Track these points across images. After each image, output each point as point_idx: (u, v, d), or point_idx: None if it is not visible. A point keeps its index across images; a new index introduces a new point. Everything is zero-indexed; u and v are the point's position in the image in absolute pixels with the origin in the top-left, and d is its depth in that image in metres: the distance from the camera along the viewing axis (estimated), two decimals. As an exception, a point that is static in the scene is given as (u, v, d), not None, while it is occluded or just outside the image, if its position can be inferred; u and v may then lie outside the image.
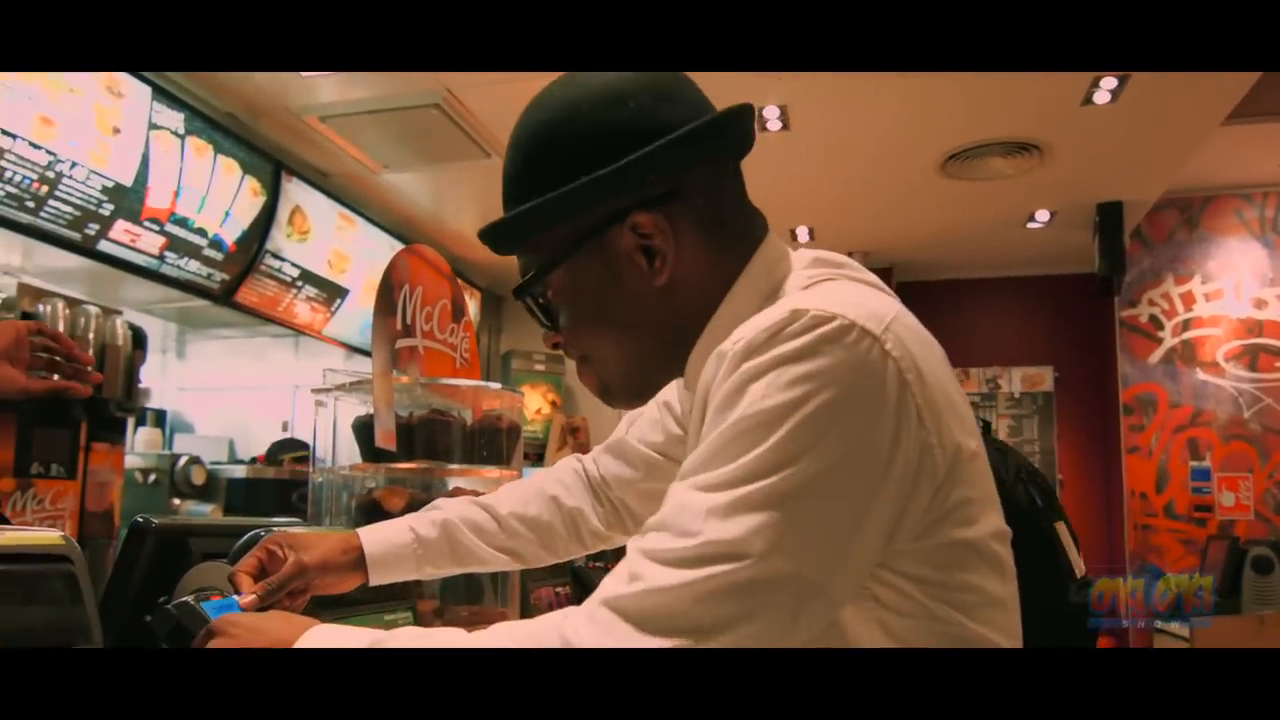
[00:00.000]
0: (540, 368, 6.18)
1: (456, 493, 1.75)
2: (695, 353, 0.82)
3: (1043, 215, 4.38)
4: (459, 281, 1.91)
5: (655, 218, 0.78)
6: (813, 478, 0.64)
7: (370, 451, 1.65)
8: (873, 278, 0.83)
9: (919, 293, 5.30)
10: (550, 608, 2.18)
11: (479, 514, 1.13)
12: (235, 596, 1.04)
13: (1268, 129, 3.82)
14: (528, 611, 1.98)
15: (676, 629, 0.63)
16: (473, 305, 5.81)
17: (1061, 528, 1.51)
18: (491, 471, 1.74)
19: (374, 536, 1.08)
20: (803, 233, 4.65)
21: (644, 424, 1.11)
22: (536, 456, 6.05)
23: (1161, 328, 4.57)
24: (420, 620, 1.72)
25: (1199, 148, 3.68)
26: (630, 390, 0.88)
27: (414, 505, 1.70)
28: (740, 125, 0.82)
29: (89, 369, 1.49)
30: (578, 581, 2.31)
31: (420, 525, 1.10)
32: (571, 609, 0.70)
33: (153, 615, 1.06)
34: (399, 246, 4.68)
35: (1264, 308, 4.48)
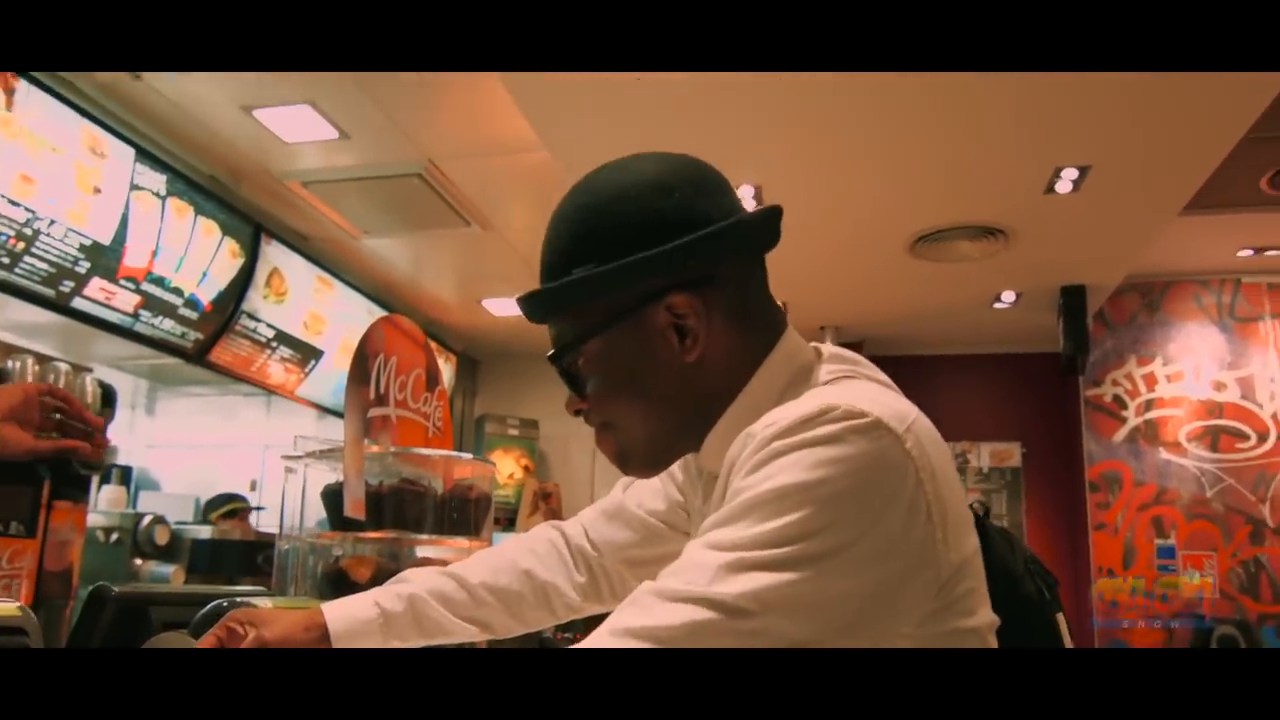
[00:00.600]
0: (514, 432, 6.17)
1: (424, 563, 1.74)
2: (715, 431, 0.87)
3: (1009, 296, 4.48)
4: (433, 350, 1.93)
5: (691, 299, 0.84)
6: (822, 554, 0.68)
7: (339, 520, 1.65)
8: (885, 377, 0.89)
9: (889, 367, 5.30)
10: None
11: (448, 584, 1.12)
12: None
13: (1223, 220, 3.96)
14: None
15: None
16: (447, 370, 5.82)
17: (1061, 619, 1.52)
18: (460, 542, 1.74)
19: (337, 613, 1.07)
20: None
21: (645, 491, 1.14)
22: (508, 521, 6.01)
23: (1125, 407, 4.66)
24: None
25: (1158, 236, 3.81)
26: (649, 460, 0.92)
27: (381, 575, 1.69)
28: (773, 224, 0.89)
29: (99, 432, 1.49)
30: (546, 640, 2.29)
31: (385, 600, 1.09)
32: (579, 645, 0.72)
33: None
34: (376, 310, 4.71)
35: (1223, 390, 4.58)
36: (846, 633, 0.69)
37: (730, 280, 0.85)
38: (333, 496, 1.69)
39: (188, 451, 5.60)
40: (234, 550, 3.67)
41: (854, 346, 4.52)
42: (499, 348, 6.31)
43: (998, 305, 4.60)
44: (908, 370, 5.49)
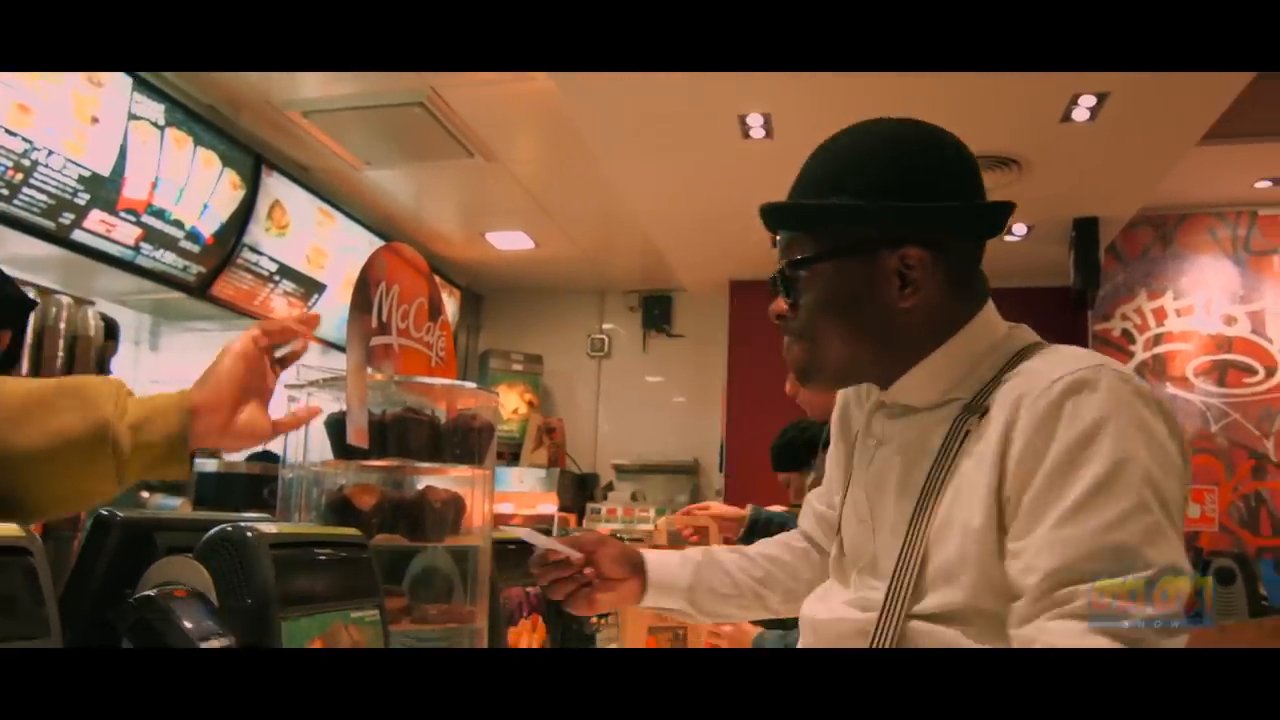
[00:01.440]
0: (518, 367, 6.17)
1: (429, 492, 1.75)
2: (912, 374, 0.97)
3: (1020, 229, 4.42)
4: (436, 280, 1.91)
5: (924, 255, 0.93)
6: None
7: (342, 448, 1.64)
8: None
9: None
10: (520, 606, 2.17)
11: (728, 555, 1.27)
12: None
13: (1242, 150, 3.88)
14: (496, 609, 1.98)
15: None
16: (451, 304, 5.80)
17: None
18: (463, 470, 1.74)
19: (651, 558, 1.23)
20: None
21: (817, 524, 1.26)
22: (512, 456, 6.05)
23: (1134, 341, 4.63)
24: (391, 618, 1.71)
25: (1174, 167, 3.74)
26: (831, 378, 1.04)
27: (384, 503, 1.70)
28: (1004, 217, 0.98)
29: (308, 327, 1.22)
30: (549, 583, 2.31)
31: (689, 554, 1.25)
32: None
33: (115, 610, 1.06)
34: (378, 243, 4.66)
35: (1233, 324, 4.54)
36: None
37: (957, 251, 0.96)
38: (336, 425, 1.68)
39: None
40: (240, 482, 3.70)
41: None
42: (503, 282, 6.27)
43: (1009, 238, 4.53)
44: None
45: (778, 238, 1.04)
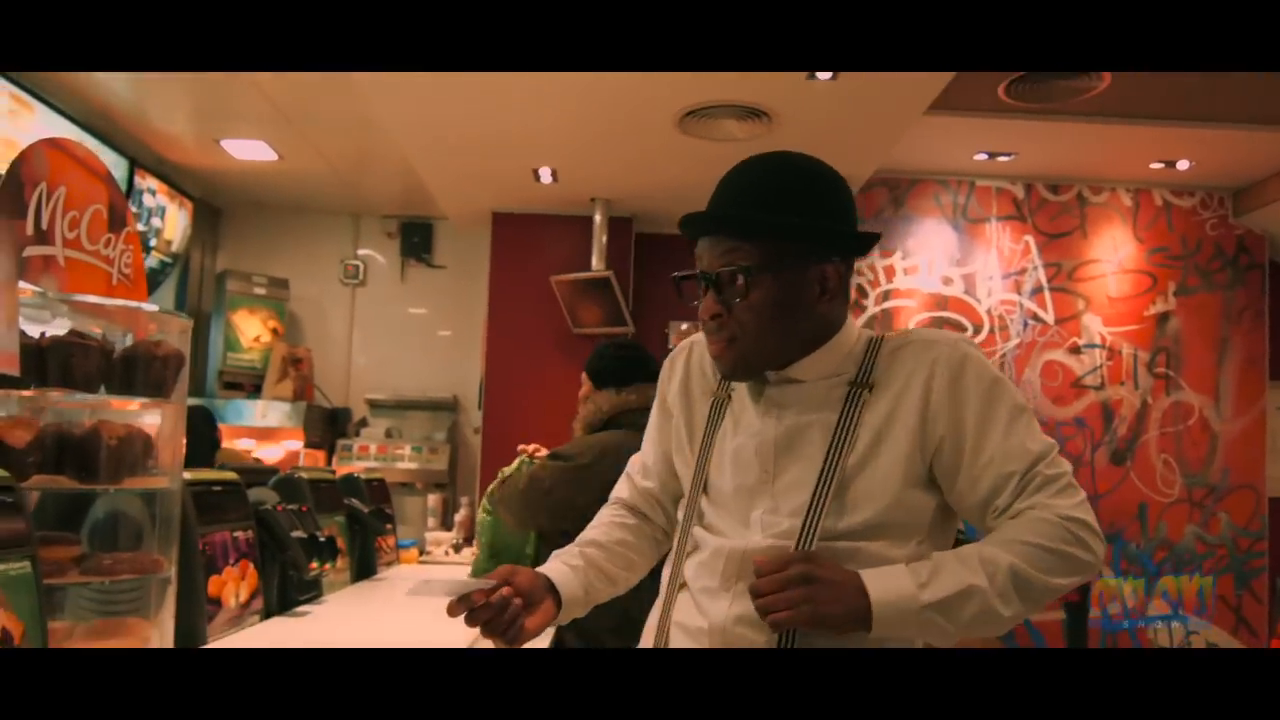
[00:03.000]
0: (261, 292, 5.71)
1: (103, 427, 1.54)
2: (812, 358, 1.20)
3: (771, 180, 4.59)
4: (117, 184, 1.67)
5: (840, 268, 1.19)
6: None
7: (-12, 375, 1.40)
8: None
9: (658, 245, 5.42)
10: (225, 549, 2.00)
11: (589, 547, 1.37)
12: None
13: (964, 123, 4.21)
14: (192, 556, 1.80)
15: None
16: (183, 217, 5.25)
17: None
18: (143, 405, 1.54)
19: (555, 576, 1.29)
20: (545, 174, 4.59)
21: (653, 474, 1.41)
22: (254, 388, 5.62)
23: (866, 296, 4.98)
24: (57, 570, 1.51)
25: (905, 133, 4.00)
26: (756, 369, 1.21)
27: (45, 439, 1.48)
28: (876, 242, 1.26)
29: None
30: (262, 524, 2.14)
31: (571, 561, 1.33)
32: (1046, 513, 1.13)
33: None
34: (91, 141, 4.10)
35: (950, 285, 4.99)
36: None
37: (850, 265, 1.22)
38: (-19, 348, 1.44)
39: None
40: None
41: (624, 221, 4.45)
42: (245, 196, 5.75)
43: (761, 190, 4.70)
44: (675, 248, 5.54)
45: (702, 242, 1.19)
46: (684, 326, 5.40)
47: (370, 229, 6.05)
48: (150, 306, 1.60)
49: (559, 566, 1.29)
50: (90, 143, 4.11)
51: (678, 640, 1.22)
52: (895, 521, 1.14)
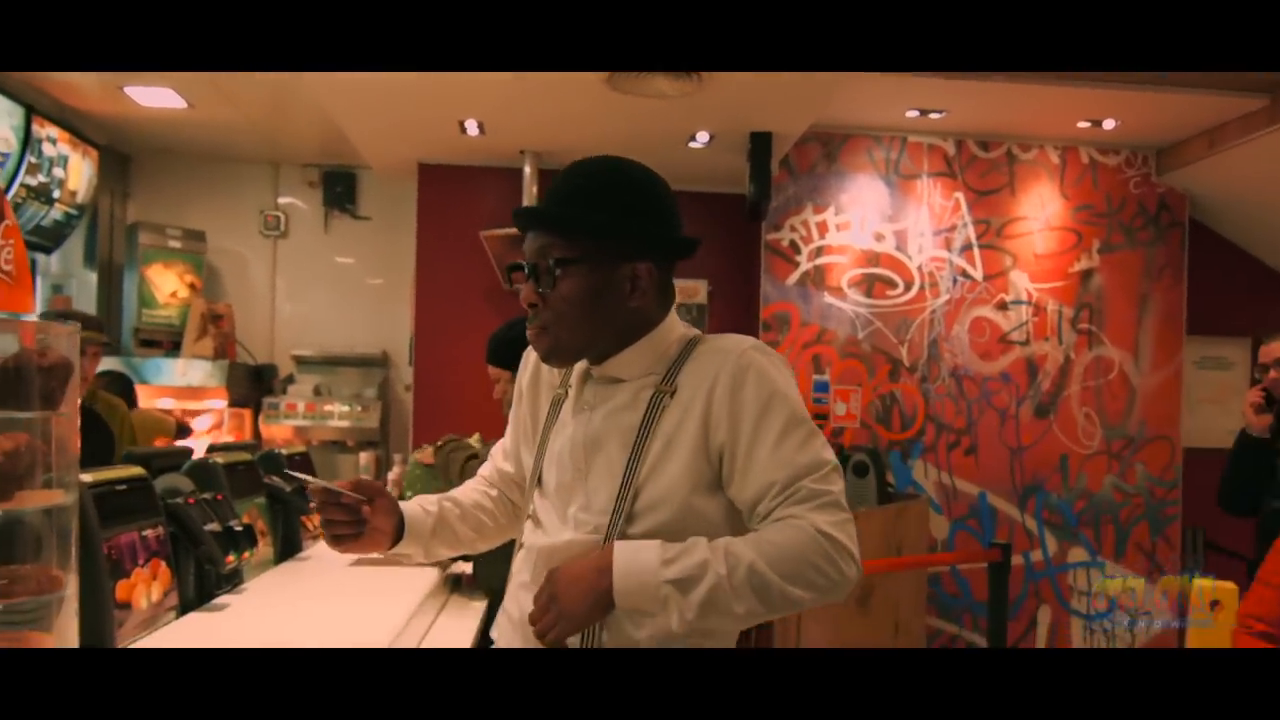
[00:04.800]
0: (176, 245, 5.46)
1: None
2: (626, 354, 1.29)
3: (703, 137, 4.51)
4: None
5: (650, 268, 1.27)
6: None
7: None
8: None
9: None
10: (134, 550, 1.92)
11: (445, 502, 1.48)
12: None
13: (895, 80, 4.17)
14: (96, 564, 1.72)
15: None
16: (87, 166, 4.96)
17: None
18: (25, 418, 1.44)
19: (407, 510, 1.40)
20: (472, 126, 4.44)
21: (510, 458, 1.53)
22: (173, 345, 5.42)
23: (799, 252, 4.96)
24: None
25: (838, 88, 3.95)
26: (569, 356, 1.31)
27: (-79, 460, 1.38)
28: (696, 247, 1.31)
29: None
30: (173, 519, 2.06)
31: (427, 507, 1.43)
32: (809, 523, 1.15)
33: None
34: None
35: (881, 241, 5.00)
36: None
37: (667, 267, 1.31)
38: None
39: None
40: None
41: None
42: (155, 143, 5.46)
43: (692, 145, 4.62)
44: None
45: (528, 236, 1.27)
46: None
47: (291, 178, 5.82)
48: (30, 317, 1.49)
49: (415, 507, 1.40)
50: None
51: (503, 627, 1.36)
52: (686, 527, 1.20)
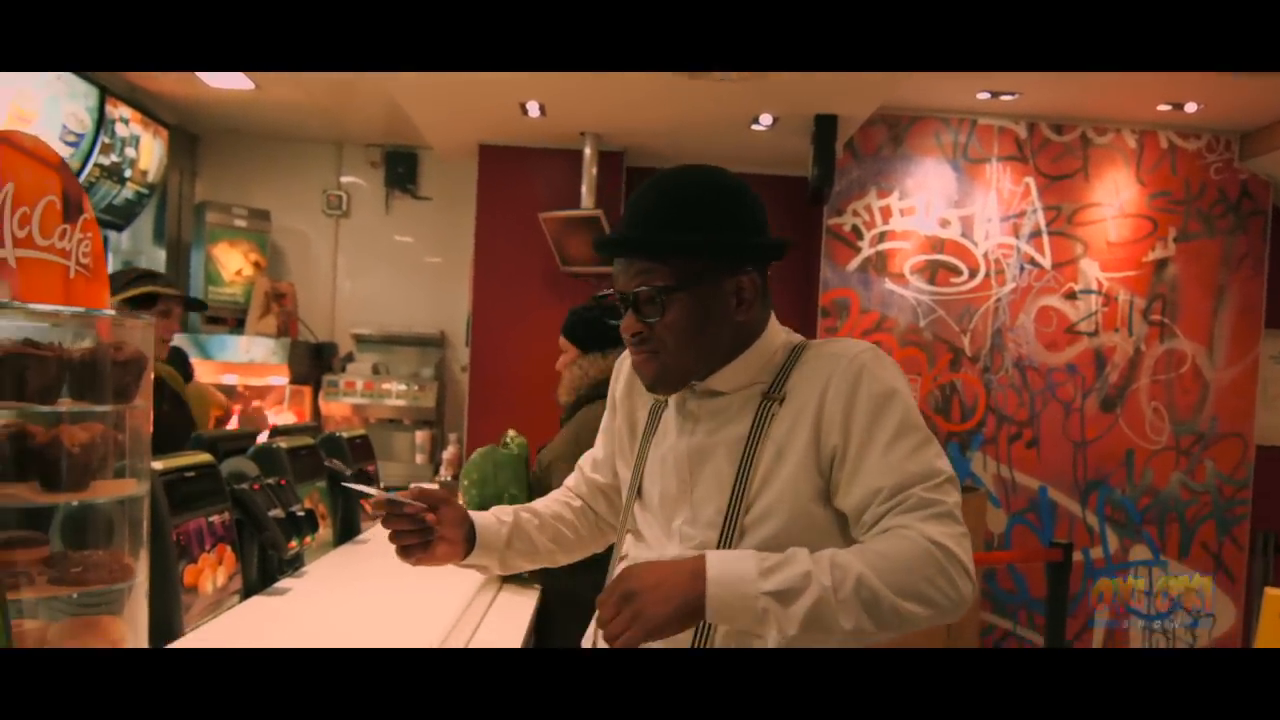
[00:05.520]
0: (241, 224, 5.56)
1: (65, 434, 1.47)
2: (732, 367, 1.24)
3: (766, 119, 4.44)
4: (71, 172, 1.57)
5: (754, 279, 1.21)
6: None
7: (-63, 389, 1.34)
8: None
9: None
10: (201, 536, 1.96)
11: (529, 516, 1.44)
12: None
13: (969, 62, 4.04)
14: (165, 551, 1.77)
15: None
16: (158, 146, 5.06)
17: None
18: (104, 412, 1.48)
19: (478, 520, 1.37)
20: (533, 108, 4.43)
21: (601, 468, 1.49)
22: (237, 322, 5.53)
23: (861, 238, 4.88)
24: (26, 578, 1.47)
25: (907, 69, 3.85)
26: (680, 382, 1.24)
27: (2, 449, 1.42)
28: (787, 247, 1.24)
29: None
30: (239, 505, 2.11)
31: (502, 517, 1.40)
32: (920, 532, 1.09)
33: None
34: (44, 70, 3.91)
35: (947, 227, 4.89)
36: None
37: (762, 272, 1.24)
38: (-70, 358, 1.37)
39: None
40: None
41: (615, 155, 4.33)
42: (223, 123, 5.56)
43: (756, 127, 4.55)
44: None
45: (617, 263, 1.22)
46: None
47: (354, 158, 5.88)
48: (105, 312, 1.52)
49: (489, 517, 1.37)
50: (59, 73, 3.95)
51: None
52: (800, 537, 1.14)
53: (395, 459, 5.35)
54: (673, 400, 1.29)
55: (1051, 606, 3.81)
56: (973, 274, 4.88)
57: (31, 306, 1.40)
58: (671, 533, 1.24)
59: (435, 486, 1.31)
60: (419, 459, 5.37)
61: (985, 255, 4.88)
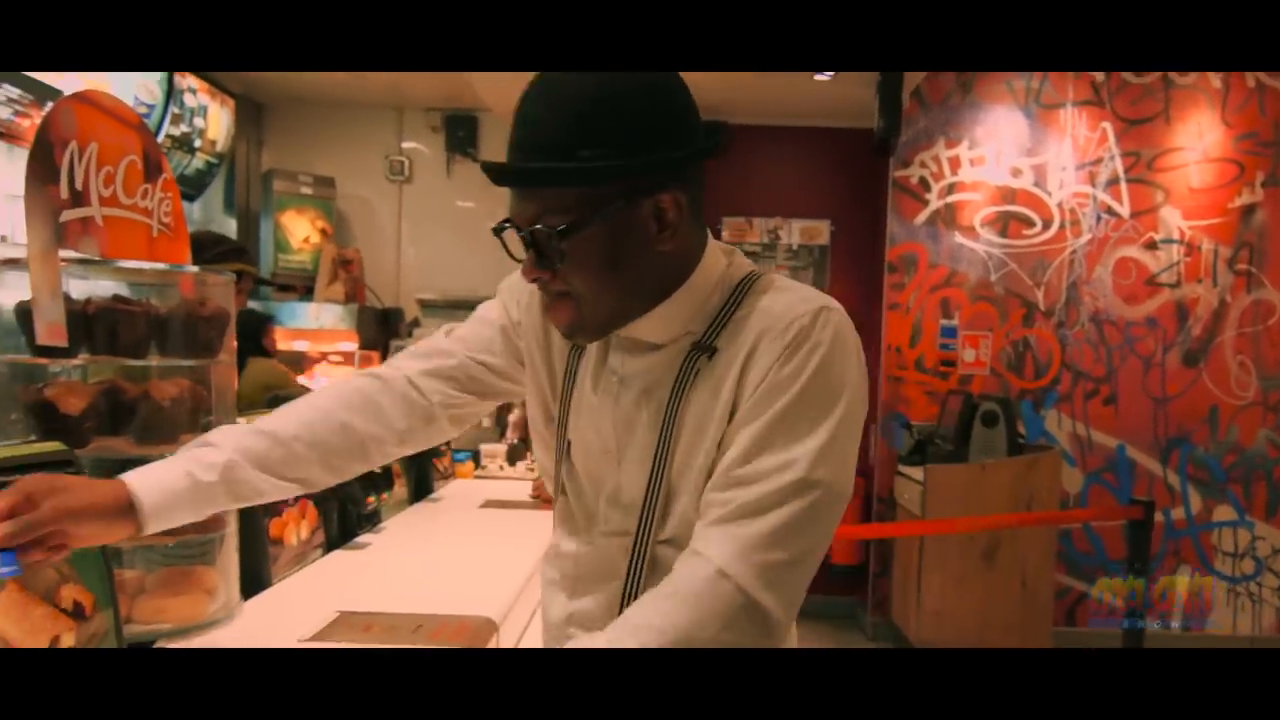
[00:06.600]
0: (307, 191, 5.64)
1: (155, 389, 1.51)
2: (661, 309, 0.99)
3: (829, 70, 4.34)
4: (150, 133, 1.59)
5: (677, 196, 0.95)
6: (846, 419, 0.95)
7: (36, 345, 1.38)
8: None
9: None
10: (286, 503, 2.00)
11: (261, 443, 1.08)
12: None
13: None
14: (249, 517, 1.81)
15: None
16: (225, 115, 5.15)
17: None
18: (192, 366, 1.51)
19: (145, 481, 1.02)
20: (593, 67, 4.38)
21: (476, 341, 1.17)
22: (306, 290, 5.63)
23: (929, 189, 4.75)
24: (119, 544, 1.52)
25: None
26: (602, 329, 1.00)
27: (95, 406, 1.46)
28: (723, 136, 1.02)
29: None
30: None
31: (198, 469, 1.04)
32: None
33: None
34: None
35: (1019, 176, 4.73)
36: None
37: (694, 181, 0.98)
38: (27, 315, 1.41)
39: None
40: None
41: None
42: (287, 91, 5.62)
43: (818, 78, 4.45)
44: (723, 134, 5.33)
45: (511, 192, 0.96)
46: (739, 220, 5.24)
47: (414, 123, 5.90)
48: (190, 269, 1.55)
49: (171, 475, 1.03)
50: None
51: (540, 629, 1.18)
52: None
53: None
54: (592, 350, 1.07)
55: (1132, 566, 3.71)
56: (1046, 225, 4.72)
57: (120, 263, 1.43)
58: (597, 513, 1.06)
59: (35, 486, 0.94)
60: (485, 422, 5.42)
61: (1059, 205, 4.71)
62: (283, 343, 4.98)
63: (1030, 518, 3.92)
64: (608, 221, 0.92)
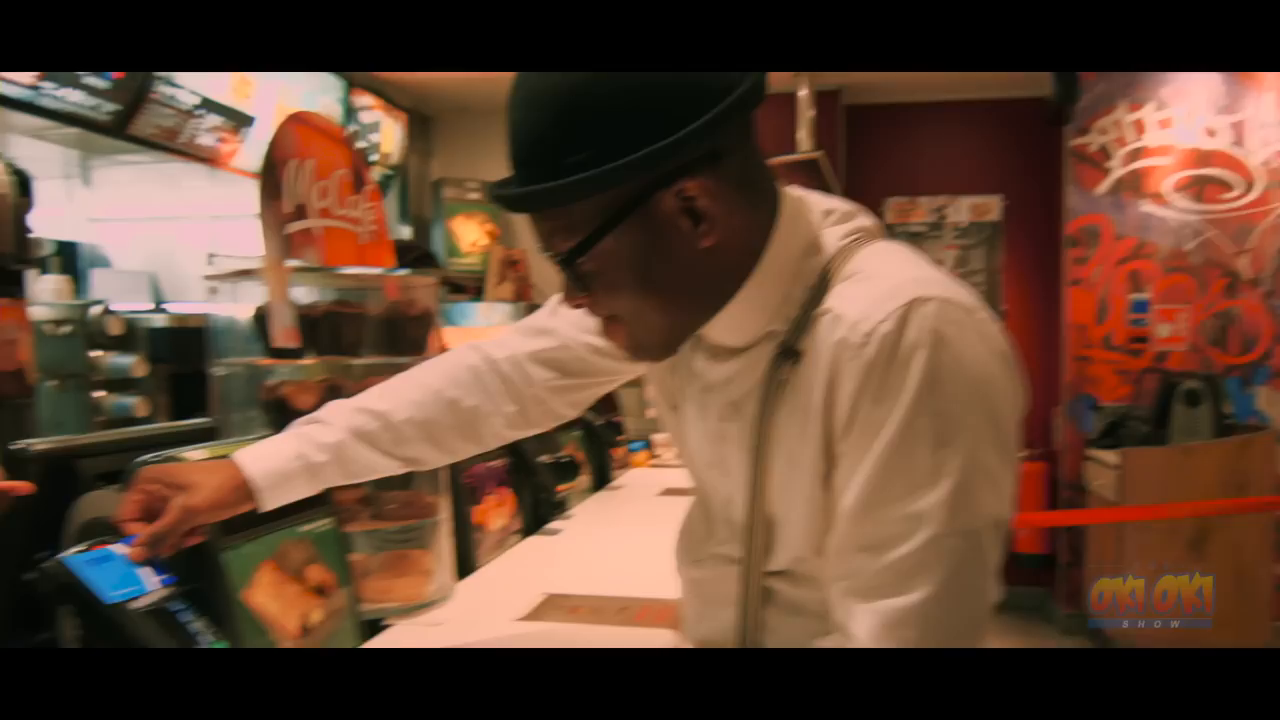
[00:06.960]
0: (475, 196, 5.89)
1: (373, 384, 1.62)
2: (731, 308, 0.84)
3: (1000, 37, 4.14)
4: (357, 148, 1.70)
5: (703, 182, 0.78)
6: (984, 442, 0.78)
7: (271, 347, 1.51)
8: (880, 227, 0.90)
9: (869, 117, 5.08)
10: (484, 480, 2.11)
11: (370, 423, 1.09)
12: (116, 547, 0.99)
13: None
14: (458, 492, 1.91)
15: None
16: (396, 129, 5.44)
17: None
18: (402, 362, 1.61)
19: (260, 467, 1.04)
20: (749, 55, 4.36)
21: (588, 323, 1.04)
22: (476, 291, 5.88)
23: (1110, 157, 4.46)
24: (346, 513, 1.63)
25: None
26: (665, 349, 0.89)
27: (323, 401, 1.58)
28: (763, 82, 0.80)
29: None
30: (513, 453, 2.24)
31: (309, 449, 1.06)
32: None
33: (36, 574, 1.01)
34: (308, 72, 4.28)
35: (1213, 136, 4.37)
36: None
37: (732, 150, 0.80)
38: (264, 321, 1.54)
39: (134, 225, 5.38)
40: (193, 339, 3.55)
41: (830, 94, 4.16)
42: (453, 103, 5.88)
43: (987, 49, 4.25)
44: (888, 119, 5.21)
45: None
46: (903, 201, 5.10)
47: (571, 124, 6.05)
48: (401, 271, 1.65)
49: (283, 458, 1.05)
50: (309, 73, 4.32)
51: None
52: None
53: (628, 413, 5.53)
54: (685, 348, 0.94)
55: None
56: (1248, 188, 4.34)
57: (343, 270, 1.54)
58: (714, 520, 0.98)
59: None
60: (650, 413, 5.51)
61: (1263, 164, 4.32)
62: (459, 342, 5.24)
63: (1246, 504, 3.62)
64: (623, 231, 0.79)
